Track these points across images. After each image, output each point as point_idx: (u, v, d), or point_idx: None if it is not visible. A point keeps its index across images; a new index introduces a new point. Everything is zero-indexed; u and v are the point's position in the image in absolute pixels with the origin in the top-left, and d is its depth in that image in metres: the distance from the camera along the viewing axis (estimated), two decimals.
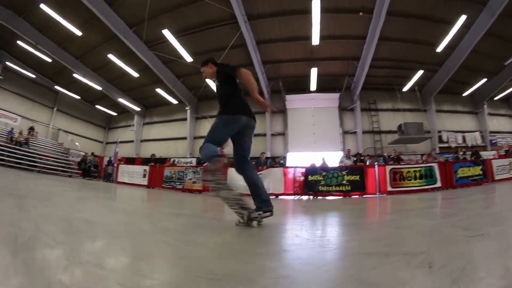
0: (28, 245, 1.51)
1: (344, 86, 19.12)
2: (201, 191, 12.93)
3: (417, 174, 10.88)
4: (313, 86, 18.90)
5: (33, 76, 22.87)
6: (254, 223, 2.88)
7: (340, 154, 16.61)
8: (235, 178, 10.42)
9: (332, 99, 20.02)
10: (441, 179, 10.67)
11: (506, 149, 15.21)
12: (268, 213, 3.02)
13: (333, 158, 14.56)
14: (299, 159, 18.01)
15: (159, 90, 22.81)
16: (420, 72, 17.43)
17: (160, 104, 26.01)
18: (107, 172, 20.36)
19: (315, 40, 14.13)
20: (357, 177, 11.09)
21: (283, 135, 21.24)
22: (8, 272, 1.09)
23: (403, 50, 16.28)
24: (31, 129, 21.30)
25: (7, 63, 21.11)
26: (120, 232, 2.36)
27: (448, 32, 13.91)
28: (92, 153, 22.41)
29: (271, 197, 10.15)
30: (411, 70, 17.69)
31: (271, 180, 11.79)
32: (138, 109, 26.57)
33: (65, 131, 26.12)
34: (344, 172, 11.31)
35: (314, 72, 17.46)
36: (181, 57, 17.47)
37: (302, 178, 11.75)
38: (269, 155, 19.15)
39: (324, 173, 11.48)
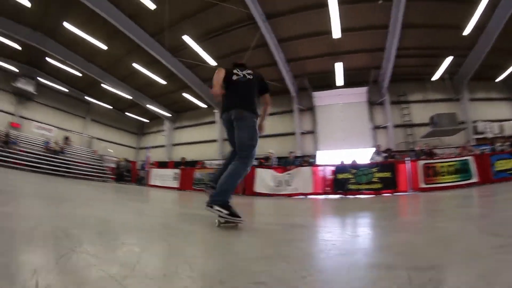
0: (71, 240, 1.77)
1: (371, 79, 18.46)
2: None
3: (451, 169, 10.16)
4: (339, 81, 18.34)
5: (65, 89, 24.52)
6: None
7: (371, 150, 15.83)
8: (263, 178, 10.31)
9: (360, 93, 19.34)
10: (477, 174, 9.83)
11: None
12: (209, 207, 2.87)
13: (364, 155, 14.14)
14: (329, 157, 17.67)
15: (186, 95, 23.34)
16: (449, 59, 16.32)
17: (189, 108, 26.62)
18: (140, 176, 21.08)
19: (336, 33, 13.72)
20: (388, 174, 10.59)
21: (312, 133, 20.93)
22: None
23: (429, 37, 15.30)
24: (66, 138, 22.81)
25: (40, 79, 22.76)
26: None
27: (473, 12, 12.81)
28: (125, 159, 23.22)
29: (300, 196, 10.07)
30: (440, 58, 16.61)
31: (300, 179, 11.67)
32: (168, 114, 27.46)
33: (99, 139, 27.63)
34: (374, 169, 10.88)
35: (339, 66, 16.96)
36: (205, 62, 17.67)
37: (331, 177, 11.47)
38: (299, 154, 19.02)
39: (353, 171, 11.12)
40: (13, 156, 16.21)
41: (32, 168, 16.04)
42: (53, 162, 17.96)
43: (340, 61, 16.68)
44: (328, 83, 19.29)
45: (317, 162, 17.62)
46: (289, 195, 11.54)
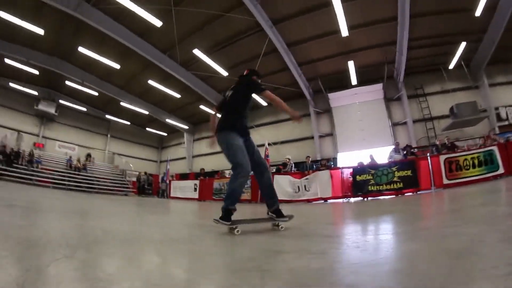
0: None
1: (385, 75, 17.91)
2: (250, 200, 13.01)
3: (476, 161, 9.44)
4: (353, 80, 17.92)
5: (85, 109, 25.59)
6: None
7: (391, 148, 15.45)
8: (281, 185, 10.24)
9: (375, 90, 18.78)
10: (503, 164, 9.08)
11: None
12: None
13: (384, 154, 13.57)
14: (350, 159, 17.24)
15: (203, 107, 23.59)
16: (463, 45, 15.42)
17: (206, 120, 26.53)
18: (161, 189, 21.47)
19: (344, 31, 13.41)
20: (409, 172, 10.13)
21: (331, 136, 20.60)
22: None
23: (439, 24, 14.54)
24: (88, 155, 23.95)
25: (60, 101, 23.97)
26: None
27: None
28: (145, 172, 23.84)
29: (320, 201, 9.88)
30: (453, 44, 15.73)
31: (318, 184, 11.43)
32: (186, 127, 27.96)
33: (119, 154, 28.50)
34: (394, 168, 10.41)
35: (351, 65, 16.62)
36: (217, 73, 17.80)
37: (350, 179, 11.17)
38: (319, 158, 18.86)
39: (372, 171, 10.72)
40: (37, 174, 17.13)
41: (55, 185, 16.85)
42: (76, 179, 18.84)
43: (351, 60, 16.32)
44: (342, 83, 18.92)
45: (338, 165, 17.23)
46: (308, 201, 11.37)
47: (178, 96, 21.75)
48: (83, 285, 1.26)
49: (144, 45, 16.32)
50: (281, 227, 3.30)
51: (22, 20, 14.11)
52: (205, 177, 16.71)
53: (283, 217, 3.33)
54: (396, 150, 12.25)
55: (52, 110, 23.44)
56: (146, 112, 25.19)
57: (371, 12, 13.90)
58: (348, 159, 17.74)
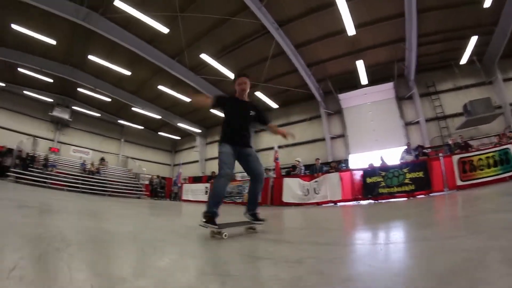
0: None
1: (396, 73, 17.44)
2: (260, 203, 12.92)
3: (491, 161, 8.96)
4: (363, 79, 17.45)
5: (98, 114, 26.54)
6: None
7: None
8: (291, 188, 10.21)
9: (386, 90, 18.34)
10: None
11: None
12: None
13: (397, 155, 13.01)
14: (362, 161, 16.79)
15: (214, 111, 23.66)
16: (474, 39, 14.73)
17: (219, 123, 26.83)
18: (173, 192, 21.82)
19: (351, 30, 13.13)
20: (421, 174, 9.77)
21: (343, 137, 20.21)
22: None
23: (448, 18, 13.99)
24: (102, 159, 24.39)
25: (74, 107, 25.01)
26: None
27: None
28: (158, 176, 24.09)
29: (330, 204, 9.69)
30: (464, 39, 15.01)
31: (328, 186, 11.28)
32: (198, 130, 28.17)
33: (133, 158, 29.04)
34: (405, 170, 10.07)
35: (360, 64, 16.19)
36: (227, 76, 17.86)
37: (360, 181, 10.91)
38: (330, 160, 18.63)
39: (383, 173, 10.44)
40: (51, 177, 17.77)
41: (69, 188, 17.37)
42: (90, 182, 19.32)
43: (360, 59, 15.92)
44: (352, 83, 18.61)
45: (350, 167, 16.98)
46: (318, 204, 11.24)
47: (189, 100, 21.83)
48: (60, 270, 1.50)
49: (153, 52, 16.60)
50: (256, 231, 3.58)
51: (34, 32, 14.76)
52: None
53: (259, 221, 3.69)
54: (408, 151, 11.91)
55: (66, 116, 24.38)
56: (158, 117, 25.58)
57: (377, 9, 13.61)
58: (360, 160, 17.35)
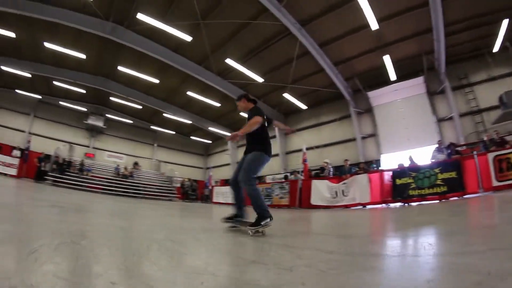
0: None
1: (425, 66, 16.52)
2: (288, 206, 12.94)
3: None
4: (392, 75, 16.84)
5: (131, 121, 28.06)
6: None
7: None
8: (319, 190, 10.14)
9: (417, 85, 17.29)
10: None
11: None
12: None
13: (427, 154, 12.49)
14: (394, 161, 15.63)
15: (243, 114, 23.89)
16: (506, 22, 13.34)
17: None
18: (204, 194, 22.55)
19: (374, 25, 12.73)
20: (453, 174, 9.11)
21: (374, 136, 19.54)
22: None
23: (475, 2, 12.88)
24: (136, 163, 25.38)
25: (108, 115, 26.72)
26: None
27: None
28: (189, 179, 24.76)
29: (358, 207, 9.57)
30: (495, 24, 13.65)
31: (356, 189, 11.00)
32: (229, 134, 28.28)
33: (165, 162, 30.07)
34: (437, 170, 9.46)
35: (387, 60, 15.63)
36: (253, 80, 17.95)
37: (389, 183, 10.47)
38: (362, 160, 18.16)
39: (413, 174, 9.92)
40: (87, 181, 18.94)
41: (104, 190, 18.29)
42: (123, 185, 20.27)
43: (387, 54, 15.36)
44: (381, 80, 17.93)
45: (382, 167, 16.46)
46: (346, 206, 11.02)
47: (218, 105, 22.23)
48: (68, 256, 1.78)
49: (179, 59, 17.07)
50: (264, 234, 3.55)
51: (65, 47, 15.81)
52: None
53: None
54: (439, 149, 11.35)
55: (100, 124, 26.14)
56: (189, 122, 26.29)
57: (398, 0, 12.99)
58: (392, 160, 16.53)
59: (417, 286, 1.47)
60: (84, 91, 22.28)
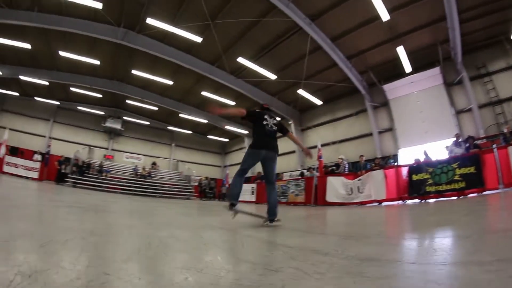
0: None
1: (441, 56, 15.77)
2: (304, 203, 12.93)
3: None
4: (407, 67, 16.38)
5: (148, 122, 28.72)
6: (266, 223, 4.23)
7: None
8: (334, 187, 10.15)
9: (433, 76, 16.62)
10: None
11: None
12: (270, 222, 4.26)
13: (443, 148, 12.04)
14: (412, 155, 14.89)
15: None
16: None
17: None
18: (221, 192, 22.75)
19: (385, 16, 12.46)
20: (472, 169, 8.72)
21: (391, 131, 18.98)
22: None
23: None
24: (154, 163, 25.88)
25: (125, 117, 27.55)
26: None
27: None
28: (206, 177, 25.00)
29: (374, 204, 10.06)
30: (510, 9, 13.02)
31: (372, 185, 10.85)
32: (246, 132, 28.58)
33: (183, 161, 30.41)
34: (455, 165, 9.08)
35: (401, 51, 15.18)
36: (266, 77, 17.99)
37: (406, 179, 10.19)
38: (379, 155, 17.81)
39: (430, 169, 9.60)
40: (106, 182, 19.52)
41: (122, 190, 18.71)
42: (141, 185, 20.71)
43: (400, 45, 14.90)
44: (396, 73, 17.46)
45: (399, 162, 16.13)
46: (362, 203, 10.89)
47: (233, 103, 22.33)
48: (73, 250, 1.94)
49: (192, 60, 17.29)
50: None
51: (79, 55, 16.47)
52: (262, 180, 16.91)
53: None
54: (457, 143, 10.94)
55: (118, 126, 27.00)
56: (205, 121, 26.59)
57: None
58: (410, 155, 15.90)
59: None
60: (100, 96, 23.06)
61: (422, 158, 11.51)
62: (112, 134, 27.63)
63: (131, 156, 28.28)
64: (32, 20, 13.71)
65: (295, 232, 4.13)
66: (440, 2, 12.54)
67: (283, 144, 20.86)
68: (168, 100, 23.45)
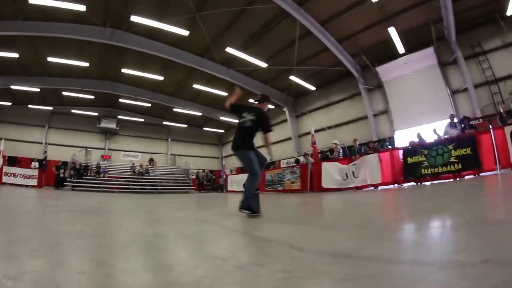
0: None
1: (434, 36, 15.44)
2: (300, 190, 12.89)
3: None
4: (400, 48, 16.05)
5: (142, 119, 28.75)
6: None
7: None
8: (329, 172, 9.97)
9: (427, 56, 16.20)
10: None
11: None
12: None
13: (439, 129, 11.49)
14: (408, 137, 14.36)
15: (252, 101, 23.86)
16: None
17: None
18: (219, 184, 22.74)
19: None
20: (468, 150, 8.57)
21: (386, 113, 18.75)
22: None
23: None
24: (151, 160, 25.84)
25: (119, 116, 27.55)
26: None
27: None
28: (204, 170, 25.01)
29: (370, 188, 10.41)
30: None
31: (367, 169, 10.74)
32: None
33: (180, 155, 30.36)
34: (450, 147, 8.95)
35: (393, 32, 14.81)
36: (257, 66, 17.82)
37: (401, 162, 10.11)
38: (375, 138, 17.69)
39: (425, 152, 9.45)
40: (104, 182, 19.66)
41: (121, 189, 18.90)
42: (139, 182, 20.88)
43: (392, 26, 14.55)
44: (389, 54, 17.12)
45: (396, 145, 16.07)
46: (358, 188, 10.83)
47: (226, 94, 22.09)
48: (62, 252, 2.06)
49: (181, 54, 17.12)
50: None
51: (67, 59, 16.51)
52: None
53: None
54: (452, 124, 10.75)
55: (113, 126, 26.95)
56: (200, 114, 26.55)
57: None
58: (407, 137, 15.39)
59: None
60: (93, 97, 23.11)
61: (416, 141, 11.30)
62: (108, 134, 27.66)
63: (128, 154, 28.35)
64: (18, 29, 13.64)
65: (279, 223, 4.02)
66: None
67: (278, 132, 20.78)
68: (160, 96, 23.33)
